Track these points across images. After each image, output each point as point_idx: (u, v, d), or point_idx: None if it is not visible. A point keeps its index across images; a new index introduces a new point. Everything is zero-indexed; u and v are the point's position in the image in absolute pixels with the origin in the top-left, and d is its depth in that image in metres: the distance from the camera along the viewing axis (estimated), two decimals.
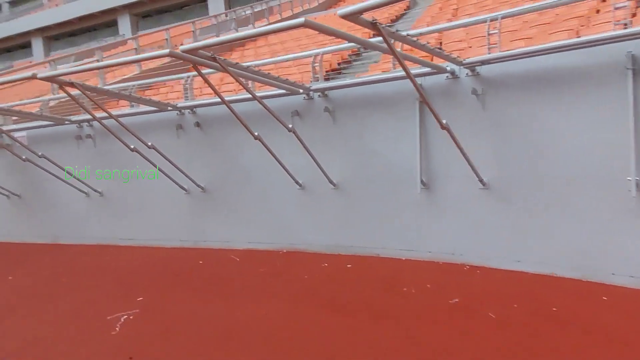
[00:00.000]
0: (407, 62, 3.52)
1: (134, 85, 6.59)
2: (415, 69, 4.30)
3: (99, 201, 6.47)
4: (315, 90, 4.85)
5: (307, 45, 9.91)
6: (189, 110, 5.63)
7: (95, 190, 6.39)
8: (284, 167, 4.91)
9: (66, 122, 6.30)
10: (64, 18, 36.07)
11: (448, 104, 4.21)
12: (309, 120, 5.01)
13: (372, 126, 4.71)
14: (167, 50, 3.24)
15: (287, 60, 5.94)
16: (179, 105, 5.55)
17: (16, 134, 6.70)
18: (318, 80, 5.27)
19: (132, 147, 5.14)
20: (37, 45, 37.54)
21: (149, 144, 5.09)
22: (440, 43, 7.50)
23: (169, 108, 5.54)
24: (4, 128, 6.60)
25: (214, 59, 3.42)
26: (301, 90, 4.84)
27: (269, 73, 4.14)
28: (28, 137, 6.72)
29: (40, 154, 5.98)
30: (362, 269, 4.43)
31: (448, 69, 4.17)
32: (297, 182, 5.10)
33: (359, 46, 7.22)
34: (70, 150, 6.44)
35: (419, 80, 4.19)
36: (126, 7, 34.68)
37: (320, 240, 5.11)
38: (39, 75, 3.90)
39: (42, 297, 4.43)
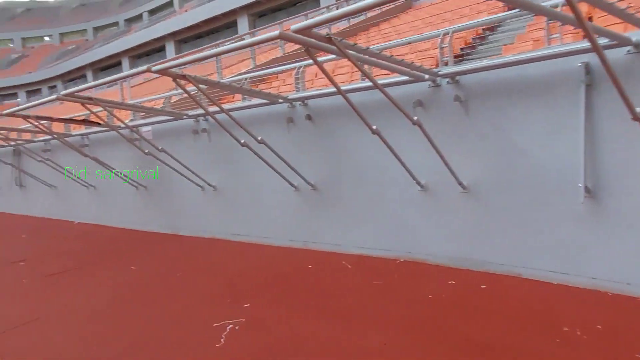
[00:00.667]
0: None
1: (246, 78, 6.47)
2: (583, 44, 3.33)
3: (212, 195, 6.51)
4: (444, 76, 4.11)
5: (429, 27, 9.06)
6: (300, 103, 5.27)
7: (209, 184, 6.43)
8: (404, 165, 4.27)
9: (184, 117, 6.42)
10: (191, 22, 39.40)
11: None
12: (434, 112, 4.29)
13: (516, 118, 3.82)
14: (277, 32, 2.82)
15: (408, 43, 5.24)
16: (290, 97, 5.22)
17: (143, 129, 7.07)
18: (447, 65, 4.50)
19: (242, 141, 4.94)
20: (170, 48, 41.57)
21: (259, 138, 4.84)
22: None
23: (280, 100, 5.24)
24: (132, 124, 6.99)
25: (329, 40, 2.91)
26: (426, 77, 4.13)
27: (391, 56, 3.52)
28: (153, 132, 7.05)
29: (160, 147, 6.16)
30: (500, 292, 3.61)
31: (634, 40, 3.13)
32: (418, 183, 4.42)
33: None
34: (187, 144, 6.57)
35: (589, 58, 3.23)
36: (244, 8, 36.55)
37: (445, 251, 4.38)
38: (153, 69, 3.81)
39: (155, 292, 4.43)
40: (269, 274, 4.67)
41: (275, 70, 6.49)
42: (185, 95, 8.79)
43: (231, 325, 3.37)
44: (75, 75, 48.32)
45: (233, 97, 9.18)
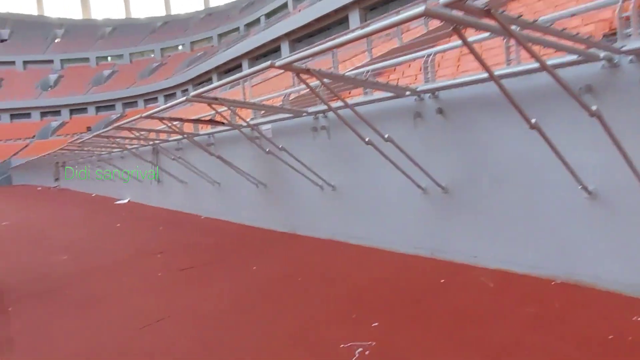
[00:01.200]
0: None
1: (367, 71, 6.06)
2: None
3: (332, 195, 6.25)
4: (629, 52, 3.20)
5: None
6: (429, 95, 4.69)
7: (328, 184, 6.18)
8: (568, 165, 3.46)
9: (303, 114, 6.26)
10: (304, 21, 40.49)
11: None
12: (609, 98, 3.39)
13: None
14: (422, 8, 2.32)
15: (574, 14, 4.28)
16: (419, 88, 4.67)
17: (263, 127, 7.10)
18: (630, 37, 3.53)
19: (367, 139, 4.54)
20: (285, 48, 43.26)
21: (386, 136, 4.39)
22: None
23: (407, 93, 4.72)
24: (253, 122, 7.06)
25: (487, 14, 2.33)
26: (601, 55, 3.27)
27: (564, 29, 2.78)
28: (273, 130, 7.04)
29: (280, 146, 6.07)
30: None
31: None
32: (585, 188, 3.56)
33: None
34: (306, 142, 6.40)
35: None
36: (355, 3, 36.38)
37: (623, 276, 3.46)
38: (276, 64, 3.59)
39: (276, 299, 4.28)
40: (396, 287, 4.21)
41: (400, 60, 5.96)
42: (302, 92, 8.75)
43: (360, 349, 2.99)
44: (203, 79, 53.17)
45: (349, 93, 8.88)
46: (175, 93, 56.81)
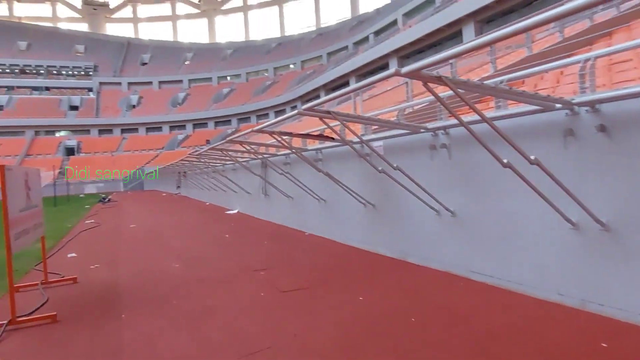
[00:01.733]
0: None
1: (501, 81, 5.28)
2: None
3: (450, 221, 5.54)
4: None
5: None
6: (586, 109, 3.82)
7: (446, 209, 5.49)
8: None
9: (421, 131, 5.68)
10: (414, 37, 39.70)
11: None
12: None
13: None
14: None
15: None
16: (576, 100, 3.82)
17: (374, 144, 6.66)
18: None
19: (505, 161, 3.82)
20: (393, 65, 42.83)
21: (532, 157, 3.63)
22: None
23: (558, 106, 3.90)
24: (365, 138, 6.65)
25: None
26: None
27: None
28: (384, 147, 6.57)
29: (395, 165, 5.56)
30: None
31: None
32: None
33: None
34: (422, 161, 5.81)
35: None
36: (471, 16, 34.71)
37: None
38: (402, 71, 3.11)
39: (387, 340, 3.72)
40: (538, 342, 3.39)
41: (537, 70, 5.09)
42: (417, 108, 8.16)
43: None
44: (311, 96, 55.05)
45: (483, 102, 8.06)
46: (284, 109, 59.67)
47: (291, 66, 71.34)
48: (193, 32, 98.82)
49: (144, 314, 4.67)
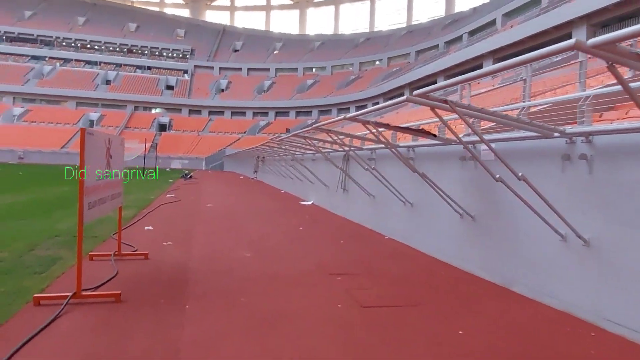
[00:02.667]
0: None
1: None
2: None
3: (581, 251, 4.42)
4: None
5: None
6: None
7: (577, 234, 4.37)
8: None
9: (555, 135, 4.59)
10: (515, 38, 36.70)
11: None
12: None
13: None
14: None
15: None
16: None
17: (482, 148, 5.64)
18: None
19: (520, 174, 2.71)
20: (488, 65, 40.03)
21: None
22: None
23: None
24: (467, 139, 5.65)
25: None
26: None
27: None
28: (502, 152, 5.53)
29: (520, 174, 4.54)
30: None
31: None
32: None
33: None
34: (550, 172, 4.72)
35: None
36: (584, 18, 31.27)
37: None
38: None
39: None
40: None
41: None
42: (544, 107, 6.93)
43: None
44: (394, 94, 53.48)
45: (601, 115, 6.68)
46: (366, 105, 58.72)
47: (377, 62, 70.00)
48: (284, 22, 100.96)
49: (209, 309, 4.19)
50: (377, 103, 55.52)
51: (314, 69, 77.23)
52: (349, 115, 6.20)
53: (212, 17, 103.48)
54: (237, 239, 8.13)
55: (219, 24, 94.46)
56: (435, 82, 47.48)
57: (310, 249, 7.53)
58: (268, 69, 79.27)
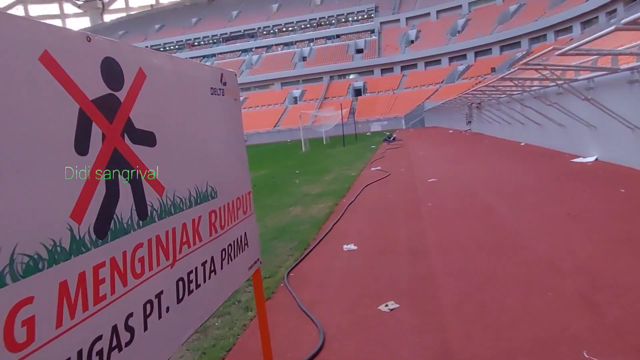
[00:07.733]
0: None
1: None
2: None
3: None
4: None
5: None
6: None
7: None
8: None
9: None
10: None
11: None
12: None
13: None
14: None
15: None
16: None
17: None
18: None
19: None
20: None
21: None
22: None
23: None
24: None
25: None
26: None
27: None
28: None
29: None
30: None
31: None
32: None
33: None
34: None
35: None
36: None
37: None
38: None
39: None
40: None
41: None
42: None
43: None
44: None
45: None
46: (596, 18, 45.51)
47: None
48: None
49: None
50: (614, 12, 42.12)
51: None
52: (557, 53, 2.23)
53: None
54: (508, 251, 4.67)
55: None
56: None
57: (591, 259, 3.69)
58: (460, 6, 70.25)
